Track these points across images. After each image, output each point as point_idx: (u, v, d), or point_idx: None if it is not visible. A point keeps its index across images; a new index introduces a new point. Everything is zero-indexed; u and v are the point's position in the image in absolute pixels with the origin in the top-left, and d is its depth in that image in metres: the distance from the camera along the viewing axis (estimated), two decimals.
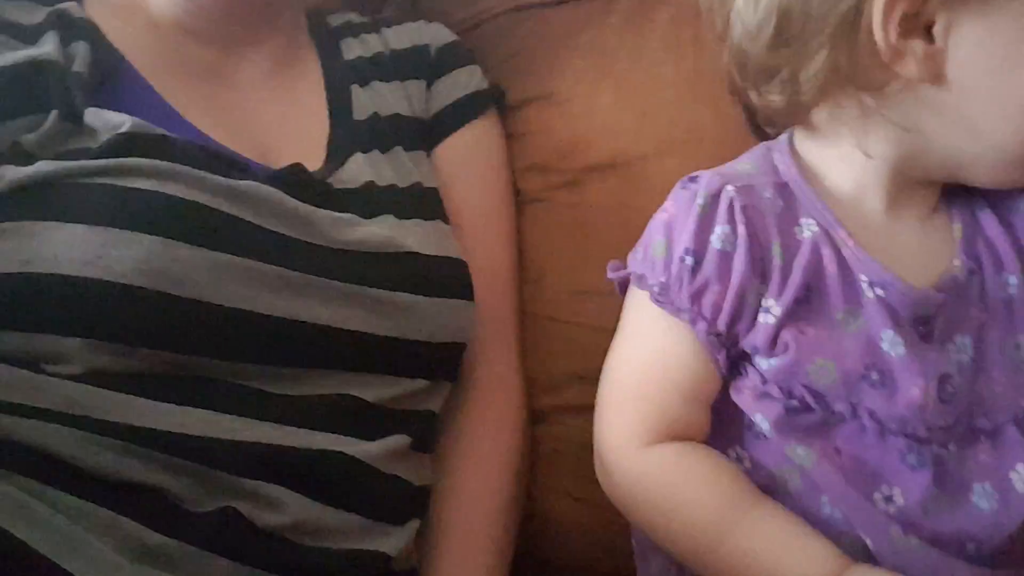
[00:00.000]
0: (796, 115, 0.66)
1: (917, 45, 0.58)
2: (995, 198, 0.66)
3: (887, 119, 0.61)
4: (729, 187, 0.62)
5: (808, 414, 0.60)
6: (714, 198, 0.62)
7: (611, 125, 0.88)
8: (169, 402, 0.62)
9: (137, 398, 0.61)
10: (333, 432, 0.66)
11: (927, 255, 0.63)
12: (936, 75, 0.58)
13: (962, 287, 0.62)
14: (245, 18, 0.80)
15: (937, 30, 0.58)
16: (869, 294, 0.60)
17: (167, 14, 0.79)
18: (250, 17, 0.81)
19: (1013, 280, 0.63)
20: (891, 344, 0.59)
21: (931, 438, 0.58)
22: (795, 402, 0.60)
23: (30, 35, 0.72)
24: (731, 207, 0.61)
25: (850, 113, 0.62)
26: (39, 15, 0.73)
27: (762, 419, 0.60)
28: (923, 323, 0.61)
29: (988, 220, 0.65)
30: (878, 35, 0.58)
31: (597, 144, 0.88)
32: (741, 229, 0.61)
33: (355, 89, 0.84)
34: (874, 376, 0.59)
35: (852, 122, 0.62)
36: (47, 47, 0.70)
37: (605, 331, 0.69)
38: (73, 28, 0.73)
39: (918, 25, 0.58)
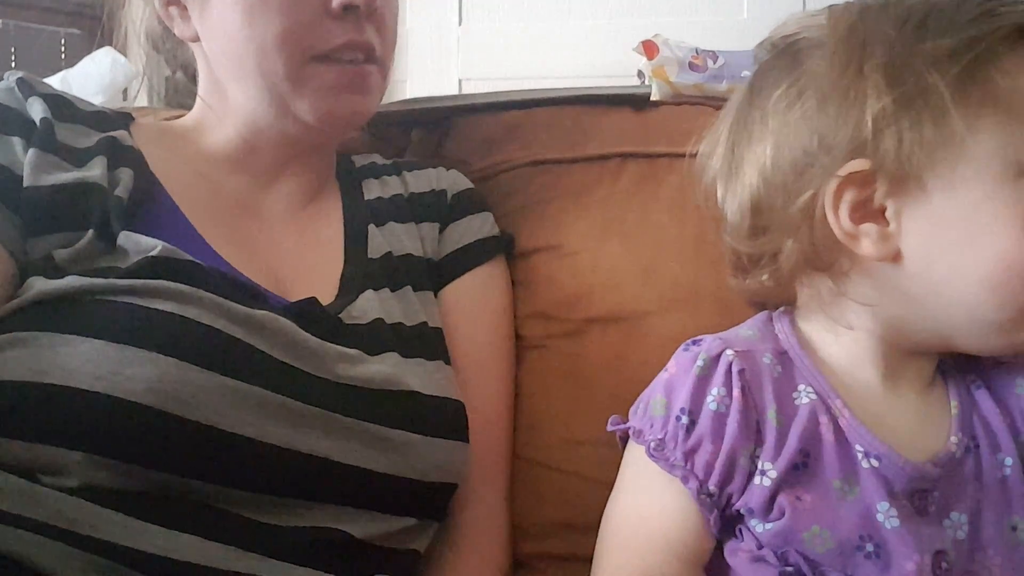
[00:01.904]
0: (781, 295, 0.70)
1: (871, 228, 0.61)
2: (989, 377, 0.68)
3: (850, 298, 0.64)
4: (729, 351, 0.65)
5: None
6: (713, 361, 0.64)
7: (615, 280, 0.91)
8: (159, 524, 0.62)
9: (128, 517, 0.61)
10: (317, 568, 0.66)
11: (924, 430, 0.64)
12: (893, 254, 0.62)
13: (958, 464, 0.63)
14: (307, 147, 0.85)
15: (889, 214, 0.61)
16: (864, 464, 0.61)
17: (219, 143, 0.84)
18: (314, 145, 0.86)
19: (1009, 461, 0.63)
20: (886, 516, 0.60)
21: None
22: (790, 569, 0.60)
23: (81, 158, 0.75)
24: (729, 370, 0.64)
25: (823, 292, 0.66)
26: (91, 139, 0.78)
27: None
28: (919, 497, 0.61)
29: (983, 398, 0.66)
30: (832, 221, 0.62)
31: (600, 297, 0.91)
32: (736, 392, 0.63)
33: (371, 228, 0.87)
34: (869, 547, 0.59)
35: (827, 299, 0.66)
36: (96, 171, 0.74)
37: (596, 481, 0.70)
38: (121, 155, 0.77)
39: (872, 210, 0.62)
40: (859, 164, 0.60)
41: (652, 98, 1.01)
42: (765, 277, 0.67)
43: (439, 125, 1.06)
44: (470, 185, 0.96)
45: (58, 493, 0.61)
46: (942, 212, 0.60)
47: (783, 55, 0.67)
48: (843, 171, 0.60)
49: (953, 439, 0.63)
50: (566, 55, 2.07)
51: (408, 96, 1.09)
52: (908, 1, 0.63)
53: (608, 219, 0.94)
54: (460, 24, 2.20)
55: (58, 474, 0.62)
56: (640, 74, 1.10)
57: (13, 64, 2.49)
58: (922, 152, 0.59)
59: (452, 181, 0.95)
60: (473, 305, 0.89)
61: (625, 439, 0.69)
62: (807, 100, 0.62)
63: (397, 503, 0.72)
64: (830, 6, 0.66)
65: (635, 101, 1.01)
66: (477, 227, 0.93)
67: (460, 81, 2.19)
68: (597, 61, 1.96)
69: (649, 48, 1.05)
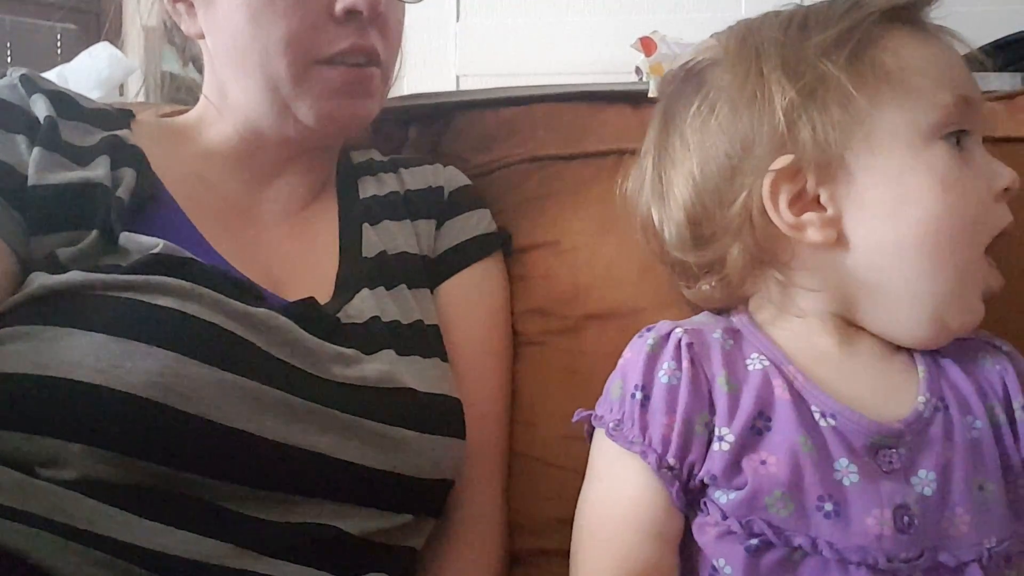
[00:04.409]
0: (733, 299, 0.72)
1: (812, 216, 0.64)
2: (953, 351, 0.68)
3: (798, 286, 0.67)
4: (678, 329, 0.67)
5: (771, 552, 0.60)
6: (663, 339, 0.67)
7: (612, 276, 0.91)
8: (156, 520, 0.62)
9: (125, 512, 0.62)
10: (313, 565, 0.66)
11: (888, 391, 0.66)
12: (838, 237, 0.65)
13: (926, 423, 0.64)
14: (306, 148, 0.85)
15: (824, 200, 0.65)
16: (822, 423, 0.63)
17: (219, 141, 0.84)
18: (314, 147, 0.86)
19: (979, 424, 0.64)
20: (845, 472, 0.61)
21: (893, 569, 0.59)
22: (756, 540, 0.60)
23: (84, 156, 0.76)
24: (678, 345, 0.66)
25: (772, 287, 0.69)
26: (95, 138, 0.78)
27: (725, 564, 0.62)
28: (882, 454, 0.62)
29: (949, 365, 0.68)
30: (775, 219, 0.65)
31: (598, 293, 0.91)
32: (685, 364, 0.65)
33: (366, 228, 0.87)
34: (828, 507, 0.60)
35: (777, 293, 0.69)
36: (99, 170, 0.74)
37: None
38: (124, 154, 0.77)
39: (809, 200, 0.65)
40: (784, 160, 0.64)
41: (650, 95, 1.01)
42: (715, 282, 0.71)
43: (437, 121, 1.06)
44: (467, 181, 0.96)
45: (56, 487, 0.61)
46: (870, 189, 0.64)
47: (687, 80, 0.71)
48: (771, 168, 0.64)
49: (921, 399, 0.65)
50: (564, 51, 2.07)
51: (405, 92, 1.09)
52: (784, 12, 0.68)
53: (606, 215, 0.93)
54: (458, 20, 2.19)
55: (56, 466, 0.62)
56: (638, 71, 1.10)
57: (9, 59, 2.49)
58: (836, 134, 0.63)
59: (449, 177, 0.95)
60: (470, 302, 0.89)
61: (592, 433, 0.71)
62: (720, 111, 0.67)
63: (394, 500, 0.72)
64: (714, 33, 0.71)
65: (633, 98, 1.01)
66: (474, 224, 0.93)
67: (458, 77, 2.19)
68: (595, 57, 1.96)
69: (647, 45, 1.05)
